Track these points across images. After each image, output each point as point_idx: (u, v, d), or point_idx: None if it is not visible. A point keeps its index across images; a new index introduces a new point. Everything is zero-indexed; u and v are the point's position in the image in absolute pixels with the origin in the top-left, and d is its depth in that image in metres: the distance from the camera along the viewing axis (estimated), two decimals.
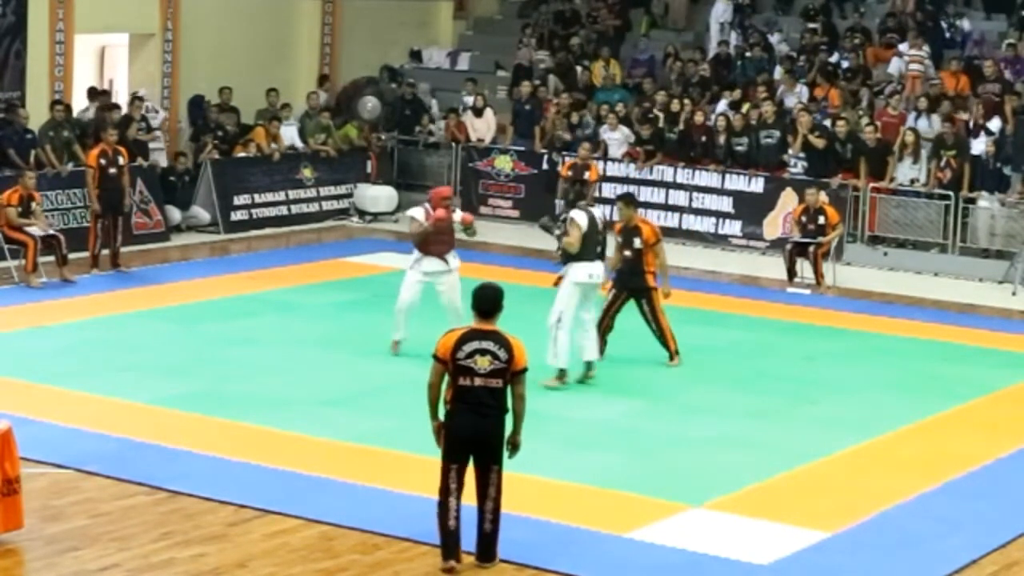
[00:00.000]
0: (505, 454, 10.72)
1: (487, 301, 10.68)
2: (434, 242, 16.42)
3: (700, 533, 11.68)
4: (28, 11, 23.28)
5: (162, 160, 23.86)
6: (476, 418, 10.53)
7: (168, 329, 17.68)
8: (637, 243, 16.32)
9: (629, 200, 16.96)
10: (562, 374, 15.63)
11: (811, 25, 27.47)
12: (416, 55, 29.87)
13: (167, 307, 18.79)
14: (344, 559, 10.89)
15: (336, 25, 28.15)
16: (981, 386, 16.52)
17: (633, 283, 16.45)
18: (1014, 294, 21.47)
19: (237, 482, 12.38)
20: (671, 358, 16.80)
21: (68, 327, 17.60)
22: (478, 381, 10.50)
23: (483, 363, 10.49)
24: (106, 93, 24.51)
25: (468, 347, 10.50)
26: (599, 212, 16.18)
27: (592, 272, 15.70)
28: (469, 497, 10.68)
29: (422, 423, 10.86)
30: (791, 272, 21.66)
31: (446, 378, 10.59)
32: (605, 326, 16.48)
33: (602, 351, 16.35)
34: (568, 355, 15.55)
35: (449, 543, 10.67)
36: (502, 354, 10.51)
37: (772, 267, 22.48)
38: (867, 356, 17.77)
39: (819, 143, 23.64)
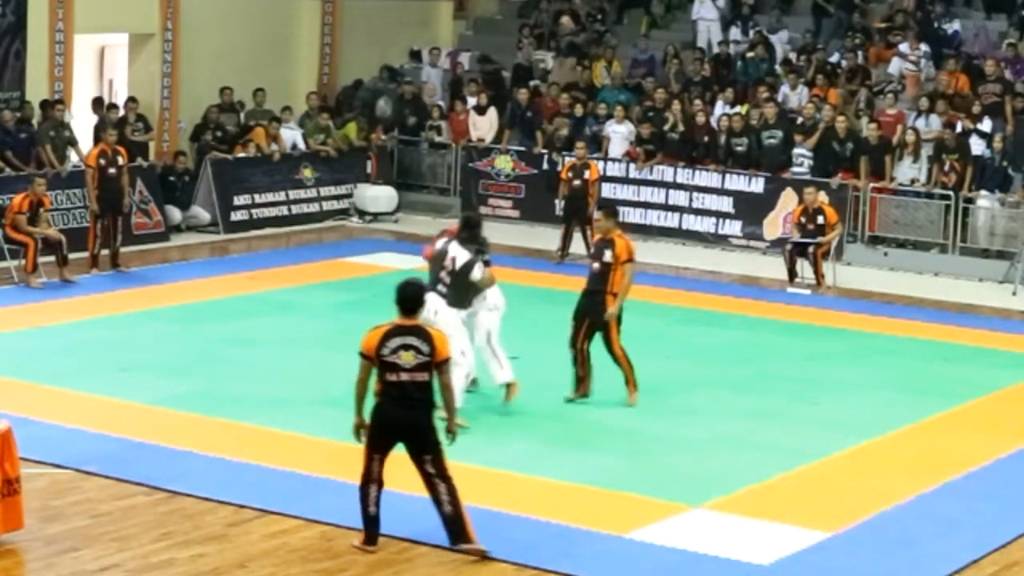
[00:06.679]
0: (445, 441, 10.91)
1: (410, 298, 10.92)
2: None
3: (700, 533, 11.67)
4: (28, 11, 23.25)
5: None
6: (404, 410, 10.77)
7: (168, 329, 17.67)
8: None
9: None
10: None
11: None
12: (416, 55, 29.83)
13: (167, 307, 18.78)
14: (344, 559, 10.89)
15: (336, 25, 28.13)
16: (981, 386, 16.51)
17: None
18: (1014, 294, 21.45)
19: (237, 482, 12.38)
20: None
21: (68, 327, 17.58)
22: (404, 376, 10.73)
23: (407, 358, 10.72)
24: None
25: (392, 343, 10.74)
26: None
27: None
28: (418, 488, 10.90)
29: None
30: (791, 272, 21.63)
31: (374, 375, 10.81)
32: None
33: None
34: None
35: (370, 528, 10.99)
36: (424, 348, 10.73)
37: (772, 267, 22.45)
38: (867, 356, 17.75)
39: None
